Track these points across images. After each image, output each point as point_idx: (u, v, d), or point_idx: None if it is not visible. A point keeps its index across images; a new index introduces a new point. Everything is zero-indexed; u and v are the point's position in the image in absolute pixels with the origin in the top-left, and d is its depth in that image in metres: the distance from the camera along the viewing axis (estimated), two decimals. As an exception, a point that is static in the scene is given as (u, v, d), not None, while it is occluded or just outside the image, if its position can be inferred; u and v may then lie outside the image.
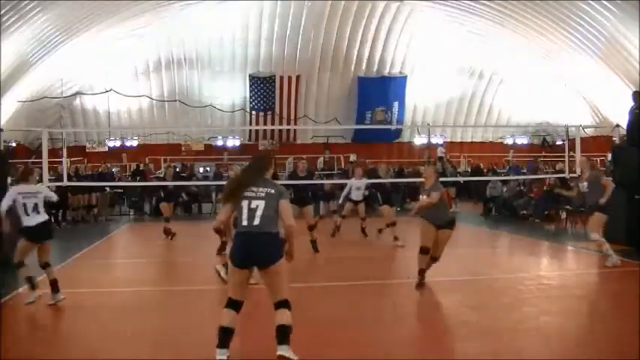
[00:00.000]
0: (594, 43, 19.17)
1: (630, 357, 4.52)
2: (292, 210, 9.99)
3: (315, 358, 4.75)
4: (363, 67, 26.46)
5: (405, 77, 26.76)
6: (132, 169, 20.39)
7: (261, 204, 4.39)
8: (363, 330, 5.47)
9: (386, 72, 26.65)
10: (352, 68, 26.34)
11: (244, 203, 4.41)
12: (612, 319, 5.96)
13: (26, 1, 15.24)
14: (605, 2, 16.82)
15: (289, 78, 25.94)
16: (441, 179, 15.94)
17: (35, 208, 6.49)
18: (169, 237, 12.16)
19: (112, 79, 24.80)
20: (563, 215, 13.62)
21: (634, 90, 11.89)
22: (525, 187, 15.94)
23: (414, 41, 25.58)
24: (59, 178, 12.76)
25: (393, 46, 25.83)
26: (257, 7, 23.53)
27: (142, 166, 19.39)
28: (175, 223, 16.20)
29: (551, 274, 8.16)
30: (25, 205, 6.45)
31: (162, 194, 12.66)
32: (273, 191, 4.47)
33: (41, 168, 10.86)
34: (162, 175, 14.02)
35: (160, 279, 8.79)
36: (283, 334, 4.40)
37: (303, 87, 26.42)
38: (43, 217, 6.58)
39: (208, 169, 24.81)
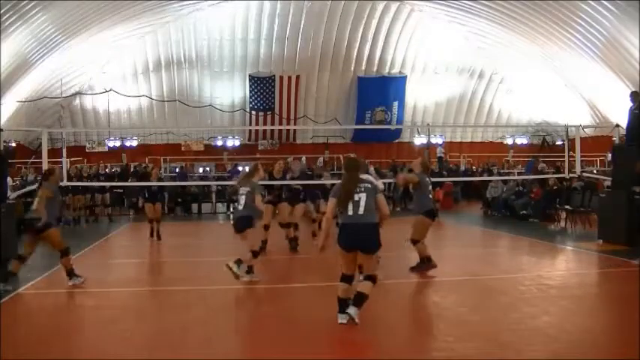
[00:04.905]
0: (594, 44, 19.16)
1: (630, 357, 4.52)
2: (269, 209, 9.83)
3: (315, 358, 4.75)
4: (363, 67, 26.46)
5: (405, 77, 26.77)
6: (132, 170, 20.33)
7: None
8: (362, 330, 5.47)
9: (386, 72, 26.65)
10: (352, 68, 26.34)
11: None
12: (612, 319, 5.96)
13: (26, 1, 15.23)
14: (605, 2, 16.81)
15: (289, 78, 25.94)
16: (441, 179, 15.90)
17: None
18: (151, 237, 12.18)
19: (112, 79, 24.82)
20: (563, 215, 13.61)
21: (633, 90, 11.89)
22: (525, 188, 15.93)
23: (414, 41, 25.59)
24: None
25: (393, 46, 25.83)
26: (257, 7, 23.53)
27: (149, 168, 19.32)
28: (175, 223, 16.26)
29: (551, 274, 8.14)
30: None
31: (146, 195, 12.56)
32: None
33: (41, 168, 10.87)
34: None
35: (159, 279, 8.79)
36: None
37: (303, 87, 26.42)
38: None
39: (208, 169, 24.86)
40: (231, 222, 7.67)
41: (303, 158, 23.05)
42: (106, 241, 12.67)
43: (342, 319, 5.36)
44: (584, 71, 21.26)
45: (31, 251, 7.43)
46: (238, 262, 7.19)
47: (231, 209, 7.44)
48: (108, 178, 17.91)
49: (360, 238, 5.32)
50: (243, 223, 7.41)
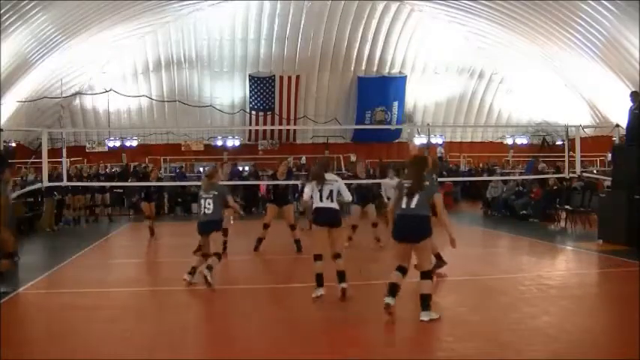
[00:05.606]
0: (594, 44, 19.16)
1: (630, 357, 4.52)
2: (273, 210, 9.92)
3: (315, 358, 4.75)
4: (363, 67, 26.45)
5: (405, 77, 26.76)
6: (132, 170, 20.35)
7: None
8: (362, 330, 5.47)
9: (386, 72, 26.64)
10: (352, 68, 26.33)
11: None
12: (612, 319, 5.96)
13: (26, 1, 15.23)
14: (605, 2, 16.81)
15: (289, 78, 25.94)
16: (441, 179, 15.88)
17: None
18: (152, 237, 12.34)
19: (112, 79, 24.81)
20: (563, 215, 13.61)
21: (633, 90, 11.89)
22: (525, 188, 15.93)
23: (414, 41, 25.59)
24: (59, 178, 12.77)
25: (393, 46, 25.83)
26: (257, 7, 23.53)
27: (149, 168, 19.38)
28: (175, 223, 16.27)
29: (551, 274, 8.15)
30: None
31: (142, 194, 12.91)
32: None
33: (41, 168, 10.87)
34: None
35: (159, 279, 8.79)
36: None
37: (303, 87, 26.41)
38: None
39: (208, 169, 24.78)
40: (198, 224, 7.55)
41: (303, 158, 23.12)
42: (106, 241, 12.67)
43: (388, 299, 5.54)
44: (584, 71, 21.26)
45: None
46: (209, 267, 7.11)
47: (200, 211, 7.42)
48: (108, 178, 17.93)
49: (410, 229, 5.61)
50: (211, 226, 7.39)
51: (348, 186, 7.54)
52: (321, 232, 6.49)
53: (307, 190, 6.63)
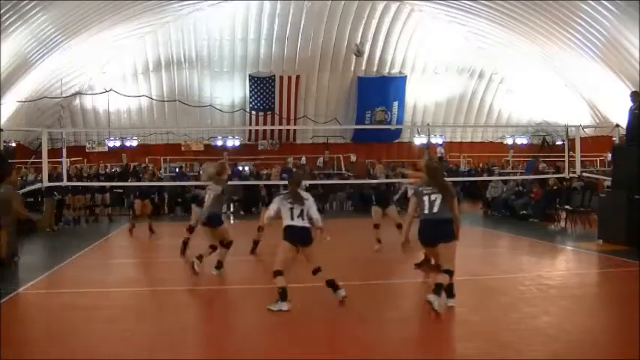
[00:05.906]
0: (594, 44, 19.16)
1: (630, 357, 4.52)
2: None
3: (315, 358, 4.75)
4: (363, 67, 26.46)
5: (405, 77, 26.76)
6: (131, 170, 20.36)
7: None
8: (362, 330, 5.47)
9: (386, 72, 26.65)
10: (352, 68, 26.34)
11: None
12: (612, 319, 5.96)
13: (26, 1, 15.24)
14: (605, 2, 16.81)
15: (289, 78, 25.94)
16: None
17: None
18: (131, 234, 12.63)
19: (112, 79, 24.82)
20: (563, 215, 13.61)
21: (633, 90, 11.89)
22: (525, 188, 15.93)
23: (414, 41, 25.60)
24: (59, 178, 12.78)
25: (393, 46, 25.84)
26: (257, 7, 23.54)
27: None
28: (174, 223, 16.25)
29: (551, 274, 8.15)
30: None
31: (137, 192, 13.18)
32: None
33: (41, 168, 10.88)
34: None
35: (159, 279, 8.78)
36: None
37: (303, 87, 26.42)
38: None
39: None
40: (203, 217, 8.16)
41: (303, 158, 23.13)
42: (106, 241, 12.67)
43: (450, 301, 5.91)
44: (584, 71, 21.26)
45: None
46: (200, 257, 7.84)
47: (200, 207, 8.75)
48: (108, 178, 17.92)
49: (436, 232, 5.84)
50: (217, 220, 8.04)
51: (369, 185, 7.60)
52: (288, 249, 6.26)
53: (274, 207, 6.33)
